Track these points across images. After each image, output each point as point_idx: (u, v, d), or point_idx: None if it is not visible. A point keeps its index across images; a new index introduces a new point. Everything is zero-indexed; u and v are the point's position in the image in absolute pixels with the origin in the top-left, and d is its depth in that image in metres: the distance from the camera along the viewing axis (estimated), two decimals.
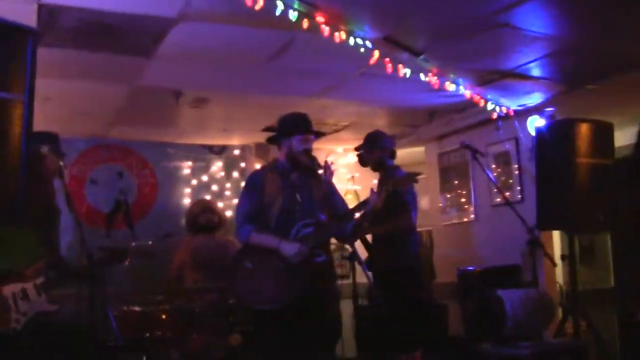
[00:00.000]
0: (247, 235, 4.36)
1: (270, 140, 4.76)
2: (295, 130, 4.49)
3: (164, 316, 5.89)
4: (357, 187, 8.74)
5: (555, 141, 5.48)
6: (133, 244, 5.92)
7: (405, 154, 6.01)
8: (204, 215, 7.05)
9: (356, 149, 6.02)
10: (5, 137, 2.54)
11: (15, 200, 2.59)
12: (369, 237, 5.71)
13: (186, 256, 6.98)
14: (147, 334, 5.80)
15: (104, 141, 7.92)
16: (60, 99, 6.09)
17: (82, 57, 5.11)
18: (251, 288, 4.27)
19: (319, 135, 4.67)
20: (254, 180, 4.57)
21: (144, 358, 5.83)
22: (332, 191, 4.60)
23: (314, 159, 4.38)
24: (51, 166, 4.39)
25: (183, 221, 7.74)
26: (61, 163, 4.26)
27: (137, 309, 6.04)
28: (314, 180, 4.48)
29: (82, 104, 6.42)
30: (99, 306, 3.81)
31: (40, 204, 4.49)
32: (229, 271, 4.41)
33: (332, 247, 4.55)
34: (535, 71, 5.73)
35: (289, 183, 4.46)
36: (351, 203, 5.17)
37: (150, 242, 6.25)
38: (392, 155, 5.85)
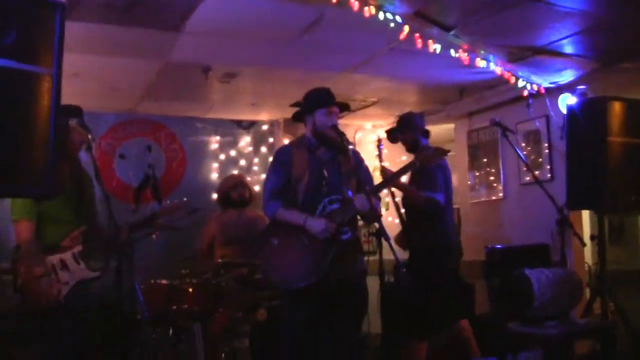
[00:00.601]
0: (274, 212, 4.35)
1: (295, 118, 4.73)
2: (318, 104, 4.46)
3: (190, 290, 5.93)
4: (385, 164, 8.68)
5: (586, 119, 5.40)
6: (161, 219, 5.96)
7: (435, 131, 5.96)
8: (235, 190, 7.09)
9: (389, 131, 5.99)
10: (34, 110, 2.55)
11: (45, 174, 2.60)
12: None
13: (216, 231, 7.04)
14: (174, 308, 5.85)
15: (133, 116, 7.96)
16: (89, 74, 6.12)
17: (111, 32, 5.10)
18: (276, 264, 4.27)
19: (343, 107, 4.60)
20: (281, 157, 4.55)
21: (170, 331, 5.89)
22: (361, 167, 4.56)
23: (342, 134, 4.34)
24: (77, 139, 4.42)
25: (211, 196, 7.79)
26: (90, 137, 4.28)
27: (163, 282, 6.09)
28: (342, 156, 4.42)
29: (110, 79, 6.45)
30: (126, 279, 3.82)
31: (71, 176, 4.55)
32: (256, 247, 4.40)
33: (359, 223, 4.52)
34: (568, 48, 5.64)
35: (316, 159, 4.43)
36: (379, 179, 5.13)
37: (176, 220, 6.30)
38: (426, 134, 5.80)
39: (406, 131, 5.75)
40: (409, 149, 5.77)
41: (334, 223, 4.17)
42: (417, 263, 5.50)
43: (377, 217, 4.14)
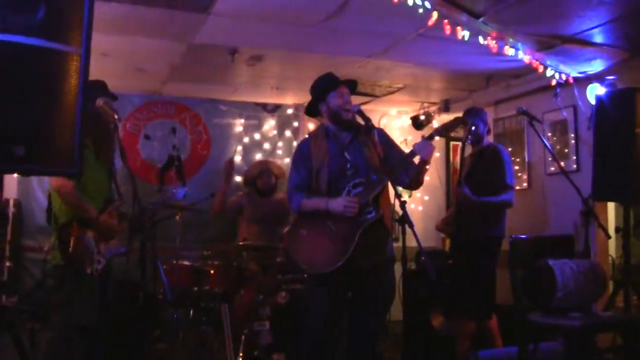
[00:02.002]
0: (298, 204, 4.34)
1: (309, 113, 4.71)
2: (327, 88, 4.44)
3: (212, 271, 5.97)
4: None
5: (615, 110, 5.33)
6: (184, 200, 5.99)
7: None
8: (261, 179, 7.15)
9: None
10: (62, 89, 2.56)
11: (71, 153, 2.61)
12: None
13: (244, 204, 7.11)
14: (196, 289, 5.89)
15: (158, 97, 8.00)
16: (117, 55, 6.15)
17: (139, 13, 5.11)
18: (306, 252, 4.27)
19: (351, 85, 4.55)
20: (300, 152, 4.54)
21: (192, 312, 5.94)
22: (389, 143, 4.52)
23: (368, 119, 4.31)
24: (108, 117, 4.46)
25: (235, 178, 7.82)
26: (116, 116, 4.31)
27: (186, 263, 6.13)
28: (365, 138, 4.38)
29: (137, 60, 6.47)
30: (150, 260, 3.86)
31: (109, 153, 4.62)
32: (286, 240, 4.41)
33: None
34: (598, 37, 5.56)
35: (337, 144, 4.40)
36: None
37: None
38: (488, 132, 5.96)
39: (475, 124, 5.73)
40: (476, 142, 5.75)
41: (353, 198, 4.16)
42: (471, 251, 5.57)
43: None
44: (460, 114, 6.03)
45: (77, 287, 4.32)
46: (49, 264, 4.58)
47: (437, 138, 4.44)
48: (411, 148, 4.32)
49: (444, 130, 4.47)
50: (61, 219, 4.35)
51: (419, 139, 7.36)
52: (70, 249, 4.23)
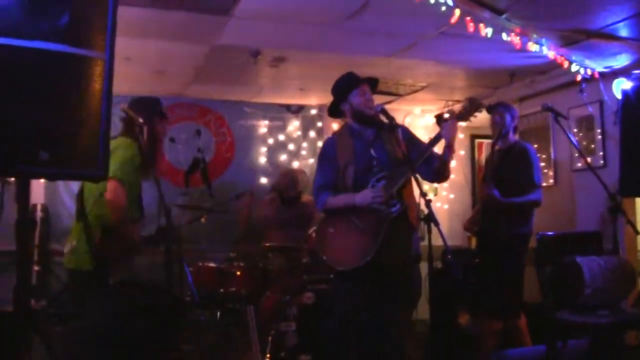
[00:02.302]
0: (324, 202, 4.34)
1: (331, 114, 4.68)
2: (348, 87, 4.43)
3: (238, 273, 5.98)
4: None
5: None
6: (209, 203, 6.01)
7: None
8: (291, 190, 7.17)
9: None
10: (87, 95, 2.57)
11: (96, 157, 2.63)
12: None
13: (271, 214, 7.13)
14: (222, 290, 5.90)
15: (182, 99, 8.03)
16: (140, 58, 6.19)
17: (162, 16, 5.15)
18: (333, 250, 4.26)
19: (371, 82, 4.53)
20: (325, 151, 4.54)
21: (218, 313, 5.95)
22: (412, 140, 4.49)
23: (392, 118, 4.29)
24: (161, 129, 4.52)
25: (259, 180, 7.85)
26: (140, 120, 4.32)
27: (212, 265, 6.15)
28: (389, 134, 4.37)
29: (160, 63, 6.51)
30: (175, 262, 3.87)
31: (151, 167, 4.62)
32: (315, 240, 4.40)
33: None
34: (624, 31, 5.50)
35: (362, 142, 4.40)
36: None
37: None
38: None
39: (501, 121, 5.69)
40: (500, 136, 5.71)
41: (378, 190, 4.15)
42: (497, 250, 5.54)
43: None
44: (485, 113, 6.01)
45: (92, 293, 4.30)
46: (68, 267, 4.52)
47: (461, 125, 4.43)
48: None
49: (466, 113, 4.44)
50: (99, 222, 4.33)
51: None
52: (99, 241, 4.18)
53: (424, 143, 4.49)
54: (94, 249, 4.22)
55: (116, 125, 7.18)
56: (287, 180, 7.33)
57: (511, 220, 5.53)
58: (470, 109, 4.41)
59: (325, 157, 4.49)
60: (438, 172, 4.39)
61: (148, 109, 4.62)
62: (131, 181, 4.29)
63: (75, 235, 4.34)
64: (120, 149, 4.25)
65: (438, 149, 4.37)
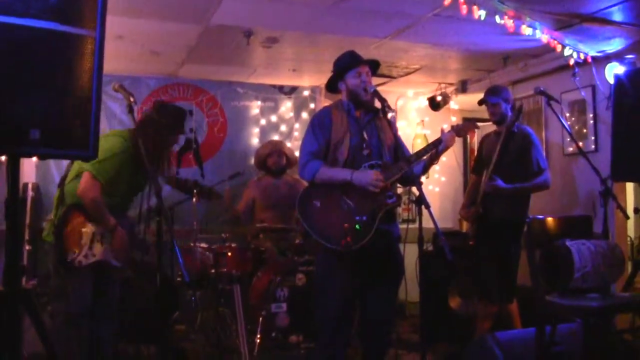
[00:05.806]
0: (315, 171, 4.20)
1: (329, 89, 4.62)
2: (346, 66, 4.39)
3: (229, 254, 5.99)
4: (427, 132, 8.65)
5: (634, 90, 5.26)
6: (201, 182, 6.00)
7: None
8: (271, 158, 7.17)
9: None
10: (77, 73, 2.56)
11: (86, 137, 2.61)
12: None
13: (256, 195, 7.12)
14: (213, 271, 5.91)
15: (174, 80, 8.00)
16: (132, 38, 6.15)
17: None
18: (320, 225, 4.12)
19: (373, 64, 4.48)
20: (321, 119, 4.41)
21: (209, 294, 5.97)
22: (396, 134, 4.47)
23: (384, 100, 4.26)
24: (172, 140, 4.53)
25: (251, 160, 7.84)
26: (132, 99, 4.28)
27: (203, 246, 6.15)
28: (381, 121, 4.37)
29: (152, 42, 6.47)
30: (167, 242, 3.86)
31: (161, 164, 4.66)
32: (298, 209, 4.31)
33: (399, 190, 4.49)
34: (617, 15, 5.49)
35: (356, 121, 4.36)
36: (420, 147, 5.09)
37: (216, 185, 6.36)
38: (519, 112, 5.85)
39: (496, 103, 5.66)
40: (502, 121, 5.68)
41: (382, 176, 4.11)
42: (497, 235, 5.55)
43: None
44: (478, 95, 6.00)
45: (68, 276, 4.27)
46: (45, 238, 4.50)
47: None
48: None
49: (462, 128, 4.48)
50: (69, 199, 4.31)
51: (435, 120, 7.39)
52: (64, 229, 4.21)
53: (402, 143, 4.49)
54: (56, 222, 4.25)
55: (107, 106, 7.20)
56: (268, 148, 7.32)
57: (511, 204, 5.52)
58: (466, 129, 4.47)
59: (320, 125, 4.35)
60: (414, 178, 4.22)
61: (174, 117, 4.67)
62: (112, 176, 4.29)
63: (56, 208, 4.38)
64: (107, 142, 4.21)
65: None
